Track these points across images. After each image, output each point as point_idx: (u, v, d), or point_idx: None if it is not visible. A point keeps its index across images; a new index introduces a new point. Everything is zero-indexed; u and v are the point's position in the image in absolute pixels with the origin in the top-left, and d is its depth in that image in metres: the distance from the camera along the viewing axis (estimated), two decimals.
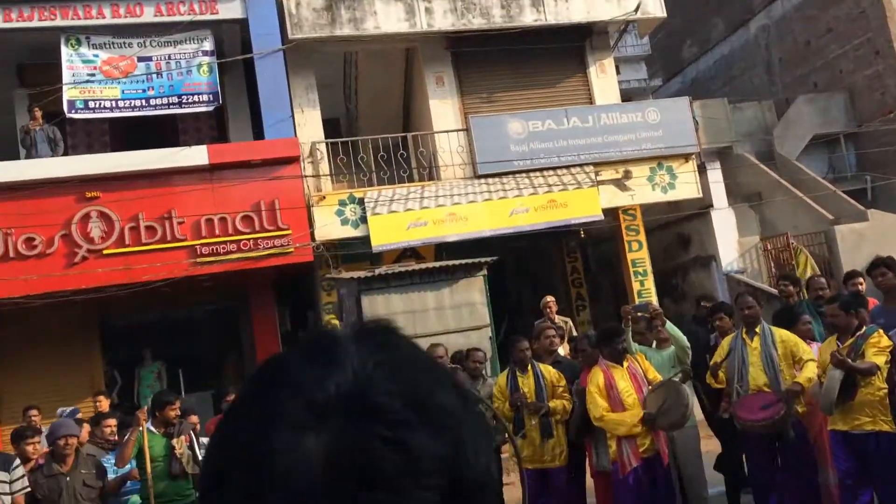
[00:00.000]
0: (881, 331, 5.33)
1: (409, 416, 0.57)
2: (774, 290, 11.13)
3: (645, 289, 12.82)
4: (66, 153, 11.74)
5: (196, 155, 11.24)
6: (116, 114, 11.69)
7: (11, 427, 7.95)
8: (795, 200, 14.87)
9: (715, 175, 14.18)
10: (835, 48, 18.73)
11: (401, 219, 11.77)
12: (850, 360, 5.16)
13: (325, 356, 0.61)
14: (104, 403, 9.08)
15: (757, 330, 6.00)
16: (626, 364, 5.86)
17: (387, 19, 12.42)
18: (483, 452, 0.61)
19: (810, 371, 5.61)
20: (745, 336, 6.04)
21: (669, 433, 5.93)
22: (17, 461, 5.26)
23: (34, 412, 8.34)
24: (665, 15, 13.81)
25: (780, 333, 5.96)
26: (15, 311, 10.39)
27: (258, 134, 12.38)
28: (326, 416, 0.56)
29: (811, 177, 15.94)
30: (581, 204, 12.41)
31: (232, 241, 10.98)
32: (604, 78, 13.80)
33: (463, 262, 9.70)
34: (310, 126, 12.44)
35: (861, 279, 6.99)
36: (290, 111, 12.17)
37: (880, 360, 5.16)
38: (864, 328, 5.33)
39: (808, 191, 15.21)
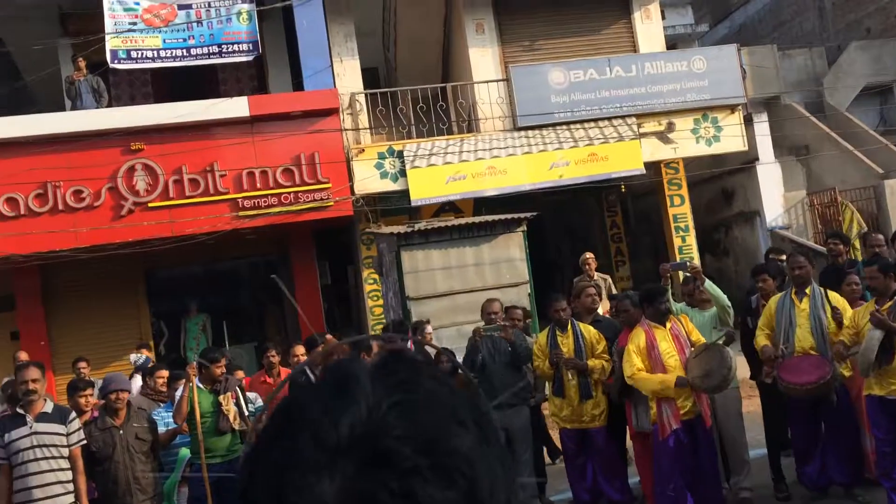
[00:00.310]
0: None
1: (420, 462, 0.56)
2: (820, 248, 10.92)
3: (686, 245, 12.67)
4: (109, 104, 11.85)
5: (237, 106, 11.26)
6: (158, 64, 11.72)
7: (63, 377, 8.23)
8: (844, 153, 14.45)
9: (762, 127, 13.81)
10: None
11: (440, 172, 11.72)
12: (889, 321, 5.09)
13: (341, 394, 0.61)
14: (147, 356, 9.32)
15: (807, 291, 5.92)
16: (668, 325, 5.83)
17: None
18: (501, 488, 0.60)
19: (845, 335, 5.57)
20: (793, 297, 5.95)
21: (711, 395, 5.92)
22: (73, 414, 5.44)
23: (83, 364, 8.61)
24: None
25: (832, 296, 5.88)
26: (63, 264, 10.66)
27: (297, 85, 12.34)
28: (338, 458, 0.57)
29: (861, 128, 15.44)
30: (622, 157, 12.22)
31: (273, 195, 11.06)
32: (648, 24, 13.40)
33: (502, 217, 9.66)
34: (349, 76, 12.34)
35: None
36: (330, 60, 12.07)
37: None
38: None
39: (858, 143, 14.75)
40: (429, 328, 7.57)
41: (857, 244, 10.47)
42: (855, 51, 17.51)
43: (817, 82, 16.96)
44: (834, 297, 5.89)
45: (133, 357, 9.00)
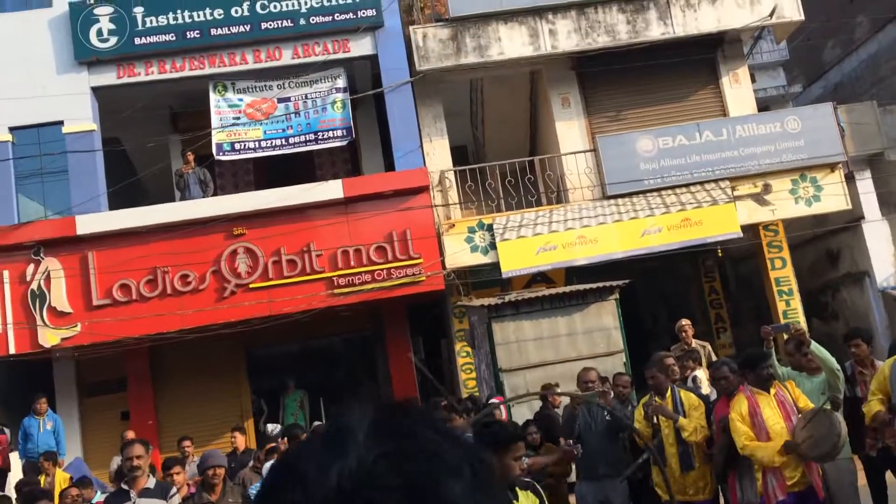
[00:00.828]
0: None
1: None
2: None
3: (791, 309, 12.13)
4: (215, 193, 12.58)
5: (332, 189, 11.75)
6: (260, 153, 12.43)
7: (169, 454, 8.54)
8: None
9: (865, 185, 13.25)
10: None
11: (530, 244, 11.76)
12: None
13: (333, 446, 0.62)
14: (239, 440, 9.56)
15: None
16: (773, 391, 5.56)
17: (511, 44, 12.52)
18: None
19: None
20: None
21: (823, 465, 5.56)
22: (174, 489, 5.64)
23: (187, 443, 8.93)
24: (803, 17, 13.14)
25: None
26: (171, 346, 11.19)
27: (389, 165, 12.79)
28: None
29: None
30: (717, 221, 11.94)
31: (366, 272, 11.36)
32: (737, 88, 13.26)
33: (593, 286, 9.56)
34: (438, 155, 12.70)
35: None
36: (419, 141, 12.50)
37: None
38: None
39: None
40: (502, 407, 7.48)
41: None
42: None
43: None
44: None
45: (269, 427, 9.36)
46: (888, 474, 6.39)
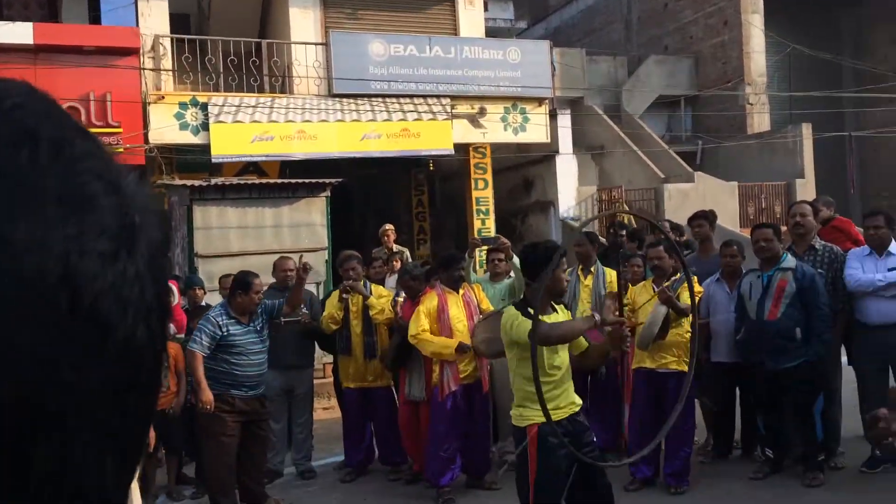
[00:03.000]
0: (695, 277, 5.71)
1: None
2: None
3: (485, 228, 13.08)
4: None
5: (19, 32, 10.13)
6: None
7: None
8: (633, 156, 15.61)
9: (564, 122, 14.55)
10: (689, 13, 19.60)
11: (246, 130, 11.24)
12: (674, 298, 5.46)
13: None
14: None
15: (591, 269, 6.34)
16: (461, 292, 5.94)
17: None
18: None
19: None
20: (579, 273, 6.36)
21: (492, 361, 6.10)
22: None
23: None
24: None
25: (610, 273, 6.31)
26: None
27: (95, 19, 11.32)
28: None
29: (650, 135, 16.77)
30: (434, 136, 12.38)
31: None
32: (471, 10, 13.65)
33: (306, 181, 9.42)
34: (155, 17, 11.50)
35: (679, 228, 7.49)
36: None
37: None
38: (679, 273, 5.67)
39: (646, 148, 16.00)
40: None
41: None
42: (653, 64, 18.98)
43: (617, 88, 18.19)
44: (611, 273, 6.30)
45: None
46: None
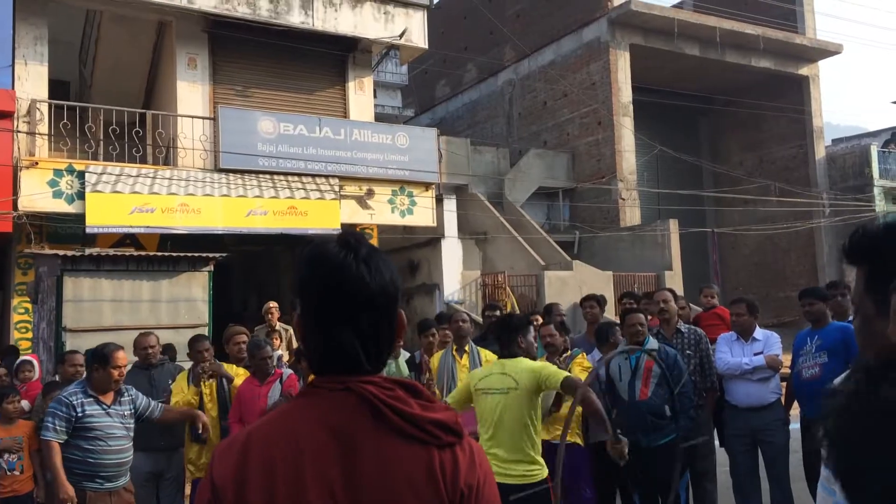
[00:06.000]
0: (584, 354, 5.93)
1: None
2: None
3: None
4: None
5: None
6: None
7: None
8: (515, 243, 16.14)
9: (450, 207, 14.92)
10: (566, 112, 20.84)
11: (125, 200, 10.83)
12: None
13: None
14: None
15: (466, 348, 6.42)
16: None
17: None
18: None
19: None
20: (454, 353, 6.40)
21: None
22: None
23: None
24: (427, 47, 14.38)
25: (485, 353, 6.39)
26: None
27: None
28: None
29: (530, 223, 17.43)
30: (321, 215, 12.36)
31: None
32: (361, 95, 13.97)
33: (188, 255, 9.12)
34: (32, 81, 11.10)
35: (562, 312, 7.74)
36: (12, 61, 10.78)
37: (583, 377, 5.69)
38: (570, 350, 5.88)
39: (527, 235, 16.60)
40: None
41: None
42: (533, 157, 19.93)
43: (500, 177, 18.91)
44: (486, 353, 6.40)
45: None
46: None
